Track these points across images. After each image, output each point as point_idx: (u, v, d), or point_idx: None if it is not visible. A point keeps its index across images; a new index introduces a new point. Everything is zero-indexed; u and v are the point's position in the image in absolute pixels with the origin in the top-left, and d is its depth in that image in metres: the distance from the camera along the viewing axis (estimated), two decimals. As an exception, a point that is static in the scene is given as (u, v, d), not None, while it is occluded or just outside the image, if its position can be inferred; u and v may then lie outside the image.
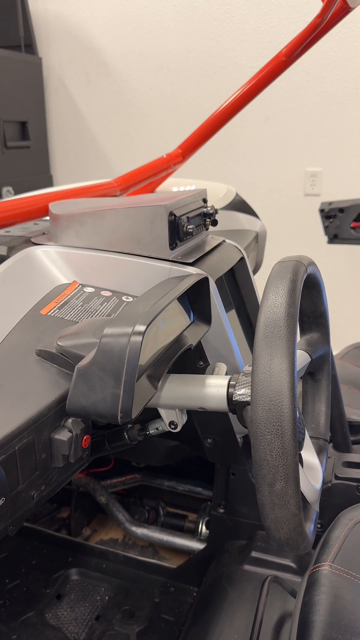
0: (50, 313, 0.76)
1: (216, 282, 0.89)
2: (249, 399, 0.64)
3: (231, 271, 1.07)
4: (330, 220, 1.77)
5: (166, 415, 0.73)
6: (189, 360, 0.92)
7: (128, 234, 0.87)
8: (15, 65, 2.73)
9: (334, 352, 1.42)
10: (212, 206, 0.99)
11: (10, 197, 1.17)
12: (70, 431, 0.59)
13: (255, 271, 1.41)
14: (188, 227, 0.87)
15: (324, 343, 0.79)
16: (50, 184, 3.07)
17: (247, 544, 1.09)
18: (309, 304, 0.76)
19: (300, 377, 0.82)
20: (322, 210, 1.78)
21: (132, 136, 2.91)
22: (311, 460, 0.71)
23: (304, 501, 0.61)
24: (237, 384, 0.66)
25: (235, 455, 1.06)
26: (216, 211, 0.99)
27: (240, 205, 1.50)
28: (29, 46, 2.85)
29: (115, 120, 2.92)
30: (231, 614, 0.96)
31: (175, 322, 0.74)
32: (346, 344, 1.79)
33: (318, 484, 0.68)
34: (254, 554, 1.06)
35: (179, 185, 1.54)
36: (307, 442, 0.72)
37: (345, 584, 0.76)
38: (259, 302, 0.80)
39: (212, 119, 1.34)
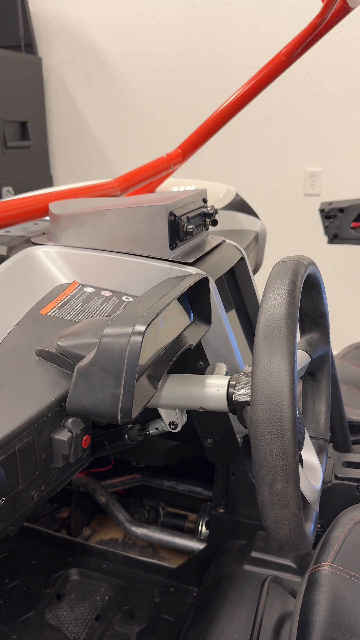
0: (50, 313, 0.76)
1: (216, 282, 0.89)
2: (249, 399, 0.64)
3: (231, 271, 1.07)
4: (330, 220, 1.77)
5: (166, 415, 0.73)
6: (189, 360, 0.92)
7: (128, 234, 0.87)
8: (15, 65, 2.73)
9: (334, 352, 1.42)
10: (212, 206, 0.99)
11: (10, 197, 1.17)
12: (70, 431, 0.59)
13: (255, 271, 1.41)
14: (188, 227, 0.87)
15: (324, 343, 0.79)
16: (50, 184, 3.07)
17: (247, 544, 1.09)
18: (309, 304, 0.76)
19: (300, 377, 0.82)
20: (322, 210, 1.78)
21: (132, 136, 2.91)
22: (311, 460, 0.71)
23: (304, 501, 0.61)
24: (237, 384, 0.66)
25: (235, 455, 1.05)
26: (216, 211, 0.99)
27: (240, 205, 1.50)
28: (29, 46, 2.85)
29: (115, 120, 2.92)
30: (231, 614, 0.96)
31: (175, 322, 0.74)
32: (346, 344, 1.79)
33: (318, 484, 0.68)
34: (254, 554, 1.06)
35: (179, 185, 1.54)
36: (307, 442, 0.72)
37: (345, 584, 0.76)
38: (259, 302, 0.80)
39: (212, 119, 1.34)
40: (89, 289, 0.84)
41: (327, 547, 0.82)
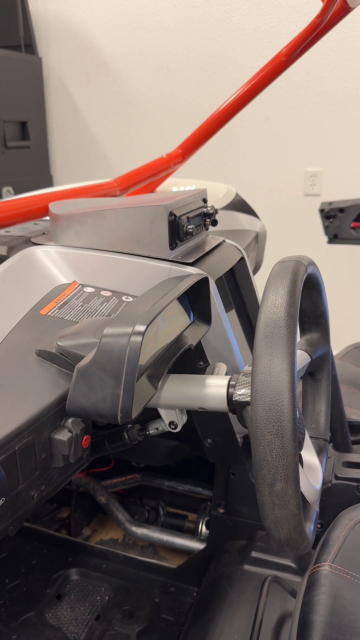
0: (50, 313, 0.76)
1: (216, 282, 0.89)
2: (249, 399, 0.64)
3: (231, 271, 1.07)
4: (330, 220, 1.77)
5: (166, 415, 0.73)
6: (189, 360, 0.92)
7: (128, 234, 0.87)
8: (15, 65, 2.73)
9: (334, 352, 1.42)
10: (212, 206, 0.99)
11: (10, 197, 1.17)
12: (70, 431, 0.59)
13: (255, 271, 1.41)
14: (188, 227, 0.87)
15: (324, 343, 0.79)
16: (50, 184, 3.07)
17: (247, 544, 1.09)
18: (309, 304, 0.76)
19: (300, 377, 0.82)
20: (322, 210, 1.78)
21: (132, 136, 2.91)
22: (311, 460, 0.71)
23: (304, 501, 0.61)
24: (237, 384, 0.66)
25: (235, 455, 1.05)
26: (216, 211, 0.99)
27: (240, 205, 1.50)
28: (29, 46, 2.85)
29: (115, 120, 2.92)
30: (231, 614, 0.96)
31: (175, 322, 0.74)
32: (346, 344, 1.79)
33: (318, 484, 0.68)
34: (254, 554, 1.06)
35: (179, 185, 1.54)
36: (307, 442, 0.72)
37: (345, 584, 0.76)
38: (259, 302, 0.80)
39: (212, 119, 1.34)
40: (89, 289, 0.84)
41: (327, 547, 0.82)
